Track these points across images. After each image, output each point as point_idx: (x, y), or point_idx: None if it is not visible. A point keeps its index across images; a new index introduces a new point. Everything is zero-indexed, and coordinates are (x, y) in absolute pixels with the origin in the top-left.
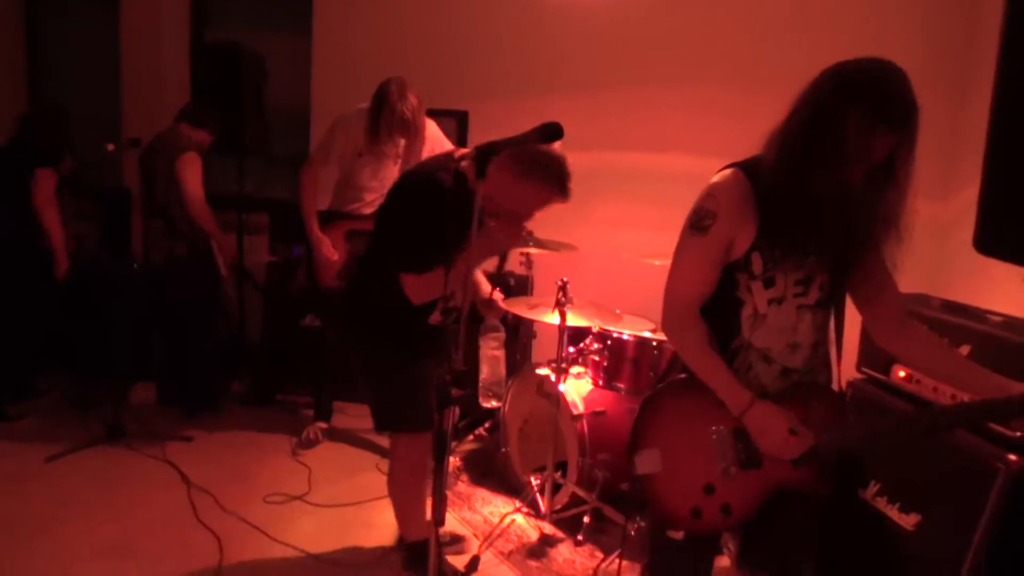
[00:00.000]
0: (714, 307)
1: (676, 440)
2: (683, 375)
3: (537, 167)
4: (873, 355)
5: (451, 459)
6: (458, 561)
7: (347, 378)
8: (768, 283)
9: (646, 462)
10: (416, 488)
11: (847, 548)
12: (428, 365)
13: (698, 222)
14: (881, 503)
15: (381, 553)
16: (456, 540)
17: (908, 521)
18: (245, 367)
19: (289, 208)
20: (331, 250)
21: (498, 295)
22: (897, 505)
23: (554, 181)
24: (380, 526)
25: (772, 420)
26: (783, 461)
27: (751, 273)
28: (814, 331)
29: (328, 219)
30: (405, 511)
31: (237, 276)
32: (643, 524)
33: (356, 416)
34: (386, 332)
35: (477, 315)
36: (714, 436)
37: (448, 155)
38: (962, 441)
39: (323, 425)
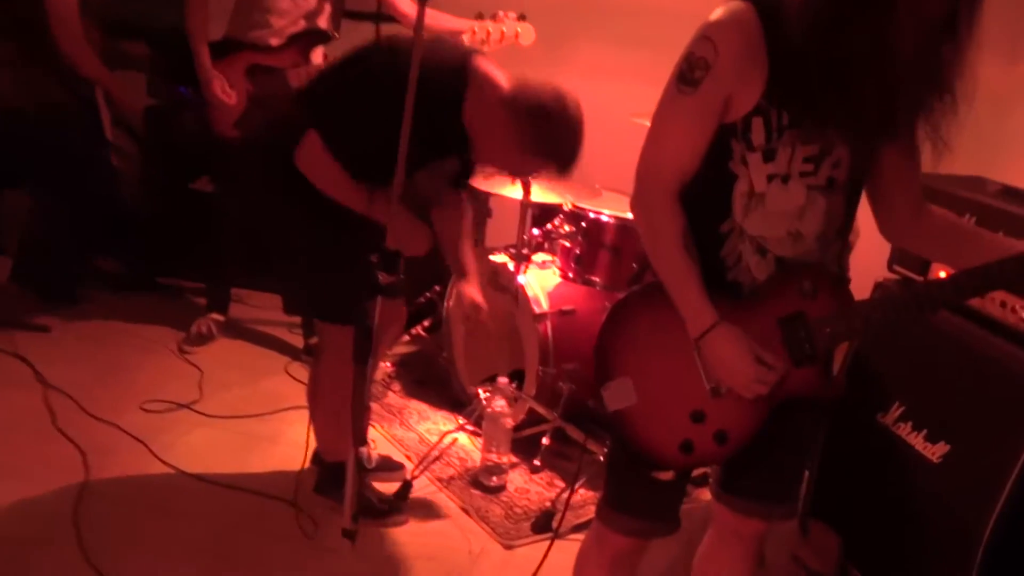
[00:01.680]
0: (699, 180)
1: (652, 360)
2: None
3: (547, 142)
4: (908, 252)
5: (380, 364)
6: (388, 489)
7: (250, 258)
8: (768, 156)
9: (617, 395)
10: (345, 394)
11: (858, 483)
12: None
13: (687, 74)
14: (903, 430)
15: (292, 477)
16: (392, 467)
17: (934, 452)
18: (119, 242)
19: (173, 36)
20: (226, 90)
21: (472, 291)
22: (923, 433)
23: (559, 162)
24: (287, 443)
25: (734, 349)
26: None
27: (748, 143)
28: (824, 219)
29: (224, 50)
30: (328, 421)
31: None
32: (608, 457)
33: (260, 307)
34: (311, 196)
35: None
36: (695, 349)
37: (466, 51)
38: (1007, 357)
39: (218, 317)
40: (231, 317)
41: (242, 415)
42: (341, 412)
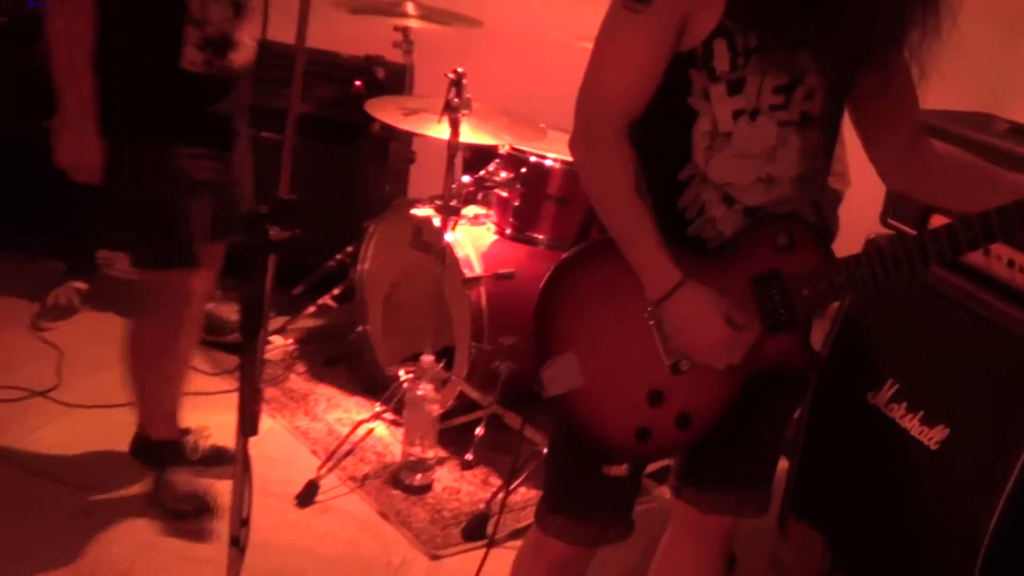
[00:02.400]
0: (654, 120)
1: (601, 333)
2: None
3: None
4: (904, 203)
5: (278, 339)
6: (286, 486)
7: (117, 213)
8: (734, 87)
9: (560, 376)
10: (164, 357)
11: (845, 473)
12: (191, 160)
13: None
14: (897, 412)
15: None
16: (224, 460)
17: (932, 437)
18: None
19: None
20: None
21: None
22: (919, 415)
23: None
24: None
25: (703, 311)
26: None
27: (711, 72)
28: (800, 160)
29: None
30: (145, 390)
31: None
32: (547, 453)
33: (128, 271)
34: (115, 100)
35: None
36: (651, 319)
37: None
38: (1016, 325)
39: (80, 285)
40: (95, 286)
41: (111, 404)
42: (162, 377)
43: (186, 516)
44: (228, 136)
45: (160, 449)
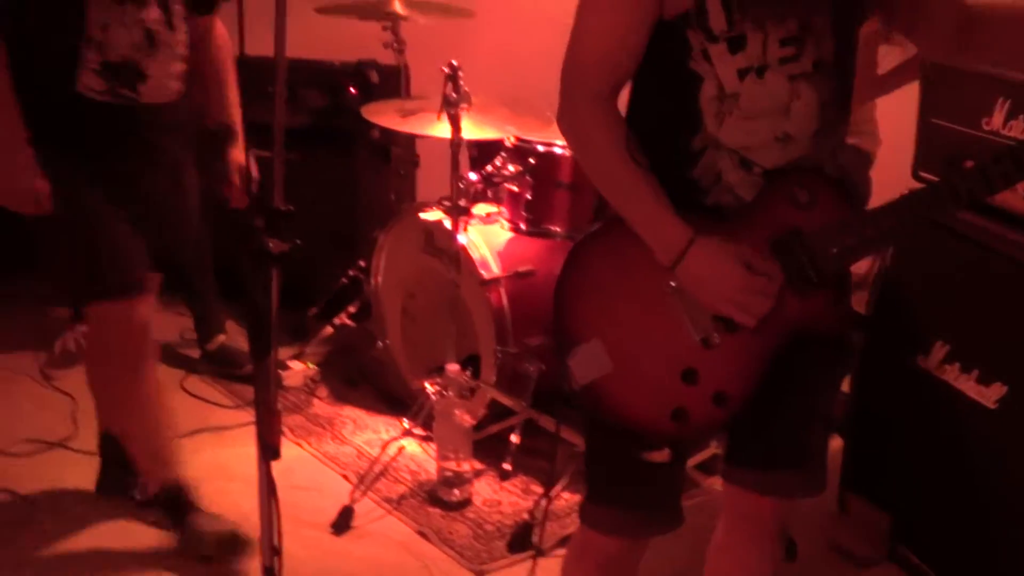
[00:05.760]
0: (656, 91)
1: (624, 314)
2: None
3: None
4: (935, 153)
5: (297, 364)
6: (319, 515)
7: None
8: (735, 45)
9: (587, 363)
10: (128, 393)
11: (902, 444)
12: (105, 185)
13: None
14: (950, 373)
15: None
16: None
17: (989, 396)
18: None
19: None
20: None
21: (241, 160)
22: (973, 375)
23: None
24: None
25: (718, 262)
26: (786, 300)
27: (708, 32)
28: (817, 112)
29: None
30: (126, 435)
31: None
32: (584, 447)
33: None
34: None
35: None
36: (674, 293)
37: None
38: None
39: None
40: None
41: None
42: (128, 424)
43: (218, 560)
44: (149, 160)
45: (170, 495)
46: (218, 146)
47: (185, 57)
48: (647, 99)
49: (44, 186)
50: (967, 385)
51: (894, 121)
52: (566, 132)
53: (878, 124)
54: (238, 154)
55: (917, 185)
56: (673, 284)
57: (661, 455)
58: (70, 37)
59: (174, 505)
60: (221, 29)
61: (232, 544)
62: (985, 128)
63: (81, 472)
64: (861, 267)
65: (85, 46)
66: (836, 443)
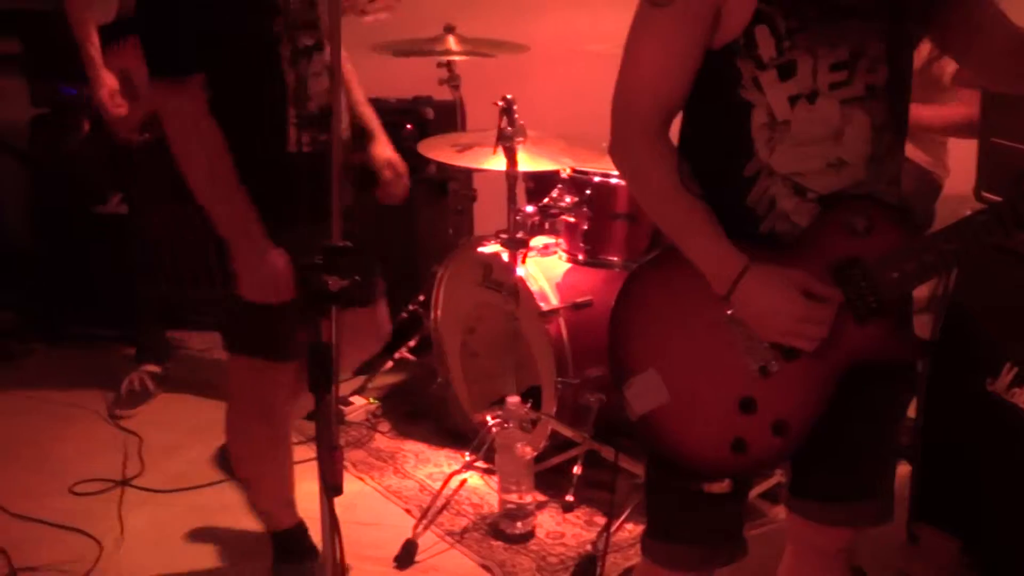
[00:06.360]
0: (708, 120)
1: (680, 343)
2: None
3: None
4: (997, 173)
5: (359, 400)
6: (382, 549)
7: (183, 291)
8: (786, 72)
9: (643, 394)
10: (265, 445)
11: (973, 470)
12: (297, 236)
13: None
14: (1020, 396)
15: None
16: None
17: None
18: (12, 287)
19: (51, 23)
20: (117, 100)
21: (384, 149)
22: None
23: None
24: (247, 509)
25: (775, 290)
26: (846, 327)
27: (757, 60)
28: (871, 136)
29: (119, 33)
30: (256, 482)
31: None
32: (644, 478)
33: (203, 350)
34: None
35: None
36: (730, 321)
37: None
38: None
39: (154, 368)
40: (168, 368)
41: (194, 485)
42: (269, 463)
43: None
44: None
45: (291, 537)
46: (361, 148)
47: None
48: (698, 128)
49: (286, 267)
50: None
51: (960, 144)
52: (619, 164)
53: (947, 151)
54: (381, 150)
55: (980, 207)
56: (729, 313)
57: (721, 486)
58: (275, 95)
59: (295, 547)
60: None
61: None
62: None
63: (148, 510)
64: (923, 291)
65: (289, 104)
66: (904, 471)
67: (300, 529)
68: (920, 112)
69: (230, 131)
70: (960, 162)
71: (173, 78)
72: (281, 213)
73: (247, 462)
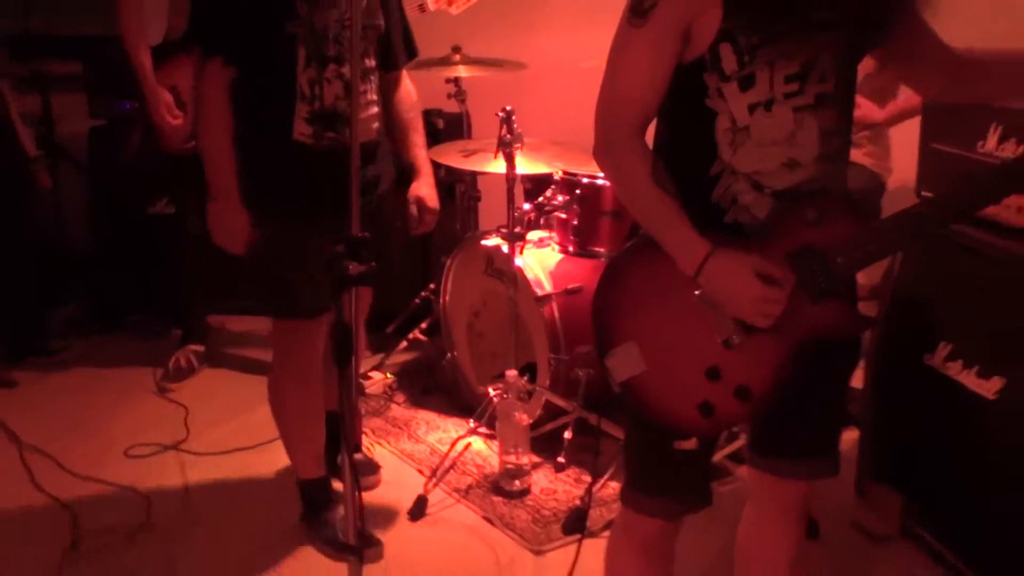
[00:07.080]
0: (679, 125)
1: (655, 320)
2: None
3: None
4: (935, 174)
5: (377, 375)
6: (397, 503)
7: (223, 281)
8: (745, 84)
9: (623, 364)
10: (304, 399)
11: (913, 433)
12: (322, 221)
13: (637, 5)
14: (953, 370)
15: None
16: (369, 468)
17: (989, 388)
18: (75, 283)
19: (108, 45)
20: (173, 111)
21: (423, 189)
22: (974, 370)
23: None
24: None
25: (733, 272)
26: (800, 305)
27: (721, 73)
28: (820, 139)
29: (169, 53)
30: (291, 434)
31: (48, 153)
32: (624, 438)
33: (241, 331)
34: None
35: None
36: (699, 299)
37: None
38: None
39: (197, 348)
40: (211, 346)
41: (235, 448)
42: (306, 418)
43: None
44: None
45: (316, 487)
46: (402, 181)
47: (377, 103)
48: (671, 132)
49: (250, 230)
50: (969, 379)
51: (903, 148)
52: (602, 163)
53: (891, 153)
54: (416, 188)
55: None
56: (698, 292)
57: (689, 443)
58: (287, 93)
59: (320, 495)
60: (407, 81)
61: (366, 540)
62: (980, 150)
63: (193, 471)
64: (874, 278)
65: (298, 100)
66: (854, 434)
67: (325, 480)
68: (875, 115)
69: (243, 108)
70: (901, 164)
71: (205, 51)
72: (283, 194)
73: (284, 417)
